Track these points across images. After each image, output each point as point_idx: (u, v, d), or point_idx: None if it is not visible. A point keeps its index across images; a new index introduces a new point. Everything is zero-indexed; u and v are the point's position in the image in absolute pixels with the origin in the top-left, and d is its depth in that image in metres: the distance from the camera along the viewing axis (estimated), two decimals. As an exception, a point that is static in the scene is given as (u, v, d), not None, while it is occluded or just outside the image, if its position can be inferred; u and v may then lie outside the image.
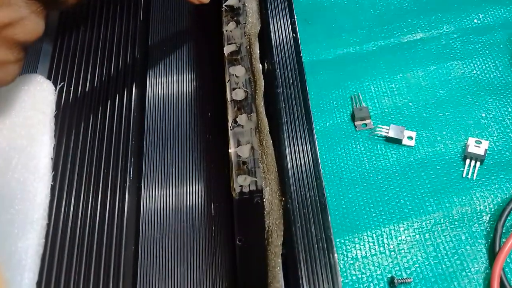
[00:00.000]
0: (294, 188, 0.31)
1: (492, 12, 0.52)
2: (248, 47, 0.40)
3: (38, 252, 0.32)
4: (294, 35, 0.39)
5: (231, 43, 0.41)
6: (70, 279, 0.31)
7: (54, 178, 0.35)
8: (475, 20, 0.52)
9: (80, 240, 0.32)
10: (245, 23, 0.41)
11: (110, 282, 0.30)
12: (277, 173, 0.33)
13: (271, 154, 0.34)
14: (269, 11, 0.40)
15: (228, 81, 0.38)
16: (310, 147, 0.34)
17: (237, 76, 0.39)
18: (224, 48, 0.40)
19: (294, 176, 0.32)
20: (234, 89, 0.38)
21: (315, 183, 0.32)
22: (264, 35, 0.40)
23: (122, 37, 0.42)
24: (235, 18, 0.42)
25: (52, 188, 0.34)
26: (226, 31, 0.41)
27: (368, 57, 0.50)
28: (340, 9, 0.55)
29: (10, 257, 0.31)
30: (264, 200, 0.32)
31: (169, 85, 0.43)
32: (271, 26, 0.40)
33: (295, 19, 0.40)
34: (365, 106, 0.46)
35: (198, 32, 0.46)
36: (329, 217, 0.30)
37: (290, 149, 0.34)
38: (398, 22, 0.53)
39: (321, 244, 0.29)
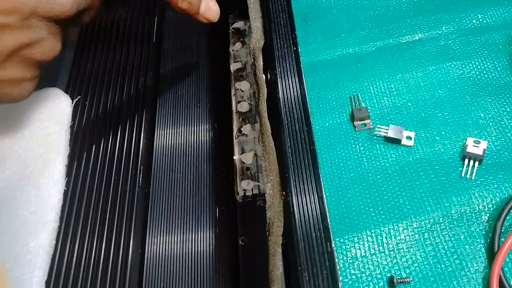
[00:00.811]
0: (294, 183, 0.33)
1: (491, 13, 0.53)
2: (253, 59, 0.42)
3: (49, 252, 0.33)
4: (295, 48, 0.41)
5: (237, 61, 0.44)
6: (78, 279, 0.32)
7: (67, 184, 0.36)
8: (474, 21, 0.52)
9: (89, 243, 0.33)
10: (250, 41, 0.44)
11: (117, 280, 0.31)
12: (278, 170, 0.35)
13: (272, 153, 0.35)
14: (272, 28, 0.43)
15: (234, 94, 0.41)
16: (309, 146, 0.35)
17: (242, 91, 0.42)
18: (231, 66, 0.43)
19: (294, 172, 0.33)
20: (239, 102, 0.41)
21: (313, 178, 0.33)
22: (267, 49, 0.43)
23: (136, 55, 0.44)
24: (241, 39, 0.45)
25: (65, 193, 0.36)
26: (233, 50, 0.45)
27: (367, 58, 0.50)
28: (339, 9, 0.55)
29: (21, 256, 0.33)
30: (266, 194, 0.34)
31: (179, 99, 0.45)
32: (274, 41, 0.42)
33: (296, 34, 0.42)
34: (364, 106, 0.46)
35: (207, 51, 0.48)
36: (326, 208, 0.32)
37: (290, 148, 0.35)
38: (397, 22, 0.53)
39: (318, 234, 0.30)
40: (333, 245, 0.30)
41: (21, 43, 0.31)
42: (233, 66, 0.43)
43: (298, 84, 0.39)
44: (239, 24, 0.46)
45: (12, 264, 0.32)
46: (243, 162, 0.37)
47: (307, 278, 0.29)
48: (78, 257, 0.33)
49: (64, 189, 0.36)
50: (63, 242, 0.34)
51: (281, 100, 0.37)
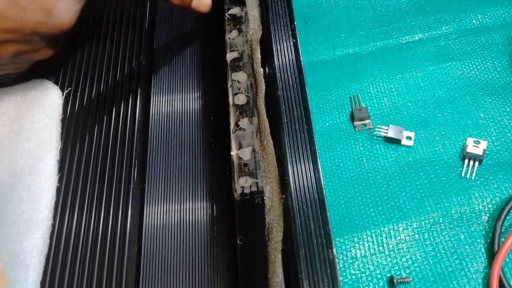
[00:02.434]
0: (294, 186, 0.32)
1: (491, 13, 0.52)
2: (250, 52, 0.41)
3: (43, 252, 0.32)
4: (294, 40, 0.40)
5: (234, 50, 0.42)
6: (73, 279, 0.31)
7: (60, 180, 0.35)
8: (474, 21, 0.52)
9: (84, 241, 0.33)
10: (247, 31, 0.42)
11: (113, 282, 0.31)
12: (277, 172, 0.34)
13: (271, 153, 0.34)
14: (270, 18, 0.41)
15: (231, 86, 0.40)
16: (310, 147, 0.34)
17: (239, 82, 0.40)
18: (227, 55, 0.41)
19: (294, 175, 0.32)
20: (236, 94, 0.39)
21: (314, 181, 0.32)
22: (265, 41, 0.41)
23: (128, 44, 0.43)
24: (238, 27, 0.43)
25: (58, 190, 0.35)
26: (229, 38, 0.43)
27: (367, 58, 0.50)
28: (340, 10, 0.55)
29: (15, 256, 0.32)
30: (264, 198, 0.33)
31: (173, 90, 0.43)
32: (272, 32, 0.40)
33: (295, 25, 0.41)
34: (364, 106, 0.46)
35: (202, 40, 0.46)
36: (328, 213, 0.31)
37: (290, 149, 0.34)
38: (397, 23, 0.53)
39: (320, 240, 0.29)
40: (334, 252, 0.29)
41: (21, 50, 0.34)
42: (229, 56, 0.41)
43: (298, 80, 0.37)
44: (235, 10, 0.44)
45: (6, 265, 0.32)
46: (241, 158, 0.36)
47: (308, 287, 0.28)
48: (73, 257, 0.32)
49: (57, 186, 0.35)
50: (57, 241, 0.33)
51: (280, 97, 0.36)
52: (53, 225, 0.33)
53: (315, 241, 0.29)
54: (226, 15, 0.44)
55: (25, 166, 0.36)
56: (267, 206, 0.33)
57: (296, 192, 0.32)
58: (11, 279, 0.31)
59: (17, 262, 0.32)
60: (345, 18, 0.54)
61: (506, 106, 0.45)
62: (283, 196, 0.32)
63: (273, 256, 0.30)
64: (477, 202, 0.40)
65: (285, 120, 0.35)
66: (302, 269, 0.28)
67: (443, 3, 0.54)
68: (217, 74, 0.42)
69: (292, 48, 0.40)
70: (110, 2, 0.46)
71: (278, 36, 0.40)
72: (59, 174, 0.36)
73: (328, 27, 0.53)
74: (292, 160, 0.33)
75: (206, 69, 0.44)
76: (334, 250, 0.29)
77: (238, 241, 0.32)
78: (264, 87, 0.38)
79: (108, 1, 0.46)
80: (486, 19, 0.52)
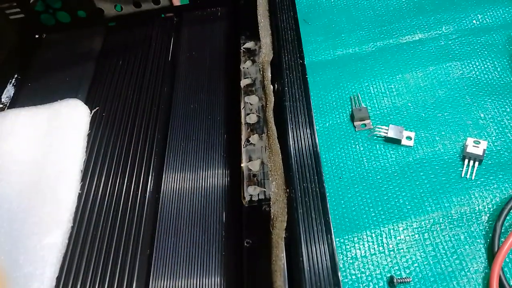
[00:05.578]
0: (297, 180, 0.34)
1: (491, 13, 0.53)
2: (262, 71, 0.45)
3: (61, 250, 0.36)
4: (301, 61, 0.43)
5: (247, 78, 0.46)
6: (87, 277, 0.35)
7: (82, 188, 0.40)
8: (474, 21, 0.52)
9: (100, 244, 0.36)
10: (260, 56, 0.46)
11: (123, 287, 0.34)
12: (283, 170, 0.36)
13: (278, 154, 0.37)
14: (281, 44, 0.45)
15: (243, 107, 0.44)
16: (312, 148, 0.36)
17: (251, 104, 0.44)
18: (241, 82, 0.46)
19: (298, 171, 0.35)
20: (248, 114, 0.44)
21: (315, 176, 0.34)
22: (275, 63, 0.45)
23: (152, 71, 0.49)
24: (251, 58, 0.48)
25: (79, 196, 0.39)
26: (243, 68, 0.47)
27: (367, 58, 0.50)
28: (340, 10, 0.55)
29: (34, 253, 0.35)
30: (270, 192, 0.35)
31: (191, 110, 0.47)
32: (282, 55, 0.44)
33: (302, 49, 0.44)
34: (364, 106, 0.46)
35: (219, 69, 0.51)
36: (328, 203, 0.33)
37: (294, 149, 0.36)
38: (397, 23, 0.53)
39: (320, 227, 0.32)
40: (333, 237, 0.31)
41: None
42: (243, 82, 0.46)
43: (303, 94, 0.40)
44: (249, 44, 0.49)
45: (25, 260, 0.35)
46: (250, 169, 0.39)
47: (308, 268, 0.30)
48: (88, 259, 0.36)
49: (79, 193, 0.39)
50: (75, 242, 0.37)
51: (287, 107, 0.39)
52: (72, 227, 0.37)
53: (316, 228, 0.32)
54: (242, 48, 0.49)
55: (52, 173, 0.40)
56: (272, 199, 0.35)
57: (299, 186, 0.34)
58: (29, 273, 0.34)
59: (36, 258, 0.35)
60: (345, 18, 0.54)
61: (506, 106, 0.45)
62: (287, 189, 0.34)
63: (276, 242, 0.32)
64: (477, 202, 0.40)
65: (291, 127, 0.38)
66: (303, 253, 0.30)
67: (443, 3, 0.54)
68: (231, 97, 0.47)
69: (299, 67, 0.43)
70: (139, 35, 0.54)
71: (287, 58, 0.44)
72: (81, 183, 0.40)
73: (328, 27, 0.53)
74: (296, 159, 0.36)
75: (222, 93, 0.49)
76: (333, 236, 0.31)
77: (245, 244, 0.35)
78: (273, 99, 0.41)
79: (137, 33, 0.54)
80: (486, 19, 0.52)
